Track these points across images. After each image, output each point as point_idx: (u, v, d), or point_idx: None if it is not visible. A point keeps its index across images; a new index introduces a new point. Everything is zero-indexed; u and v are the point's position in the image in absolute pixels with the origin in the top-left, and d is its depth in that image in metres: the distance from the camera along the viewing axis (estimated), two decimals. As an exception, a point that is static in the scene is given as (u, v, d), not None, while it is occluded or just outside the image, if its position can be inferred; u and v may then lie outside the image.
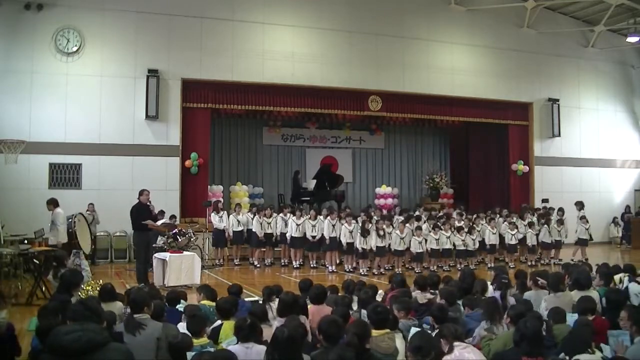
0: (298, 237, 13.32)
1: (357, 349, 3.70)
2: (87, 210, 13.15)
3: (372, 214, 14.60)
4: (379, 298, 6.49)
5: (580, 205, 15.58)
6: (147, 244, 10.46)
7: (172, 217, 13.36)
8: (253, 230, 13.59)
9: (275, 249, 14.07)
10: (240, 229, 13.67)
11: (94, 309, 3.75)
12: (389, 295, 6.45)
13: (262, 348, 4.05)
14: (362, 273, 12.44)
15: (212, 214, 13.82)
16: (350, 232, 12.69)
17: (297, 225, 13.26)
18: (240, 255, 14.03)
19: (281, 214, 13.81)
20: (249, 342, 4.10)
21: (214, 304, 5.75)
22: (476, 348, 4.27)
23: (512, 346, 4.33)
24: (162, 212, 12.95)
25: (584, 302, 5.26)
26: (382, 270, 12.77)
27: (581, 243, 14.73)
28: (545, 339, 4.38)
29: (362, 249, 12.47)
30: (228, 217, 13.81)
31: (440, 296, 6.04)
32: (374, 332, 4.24)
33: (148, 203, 10.46)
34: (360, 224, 12.87)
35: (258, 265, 13.60)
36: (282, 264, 13.80)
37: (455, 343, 3.97)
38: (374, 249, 12.64)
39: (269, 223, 13.59)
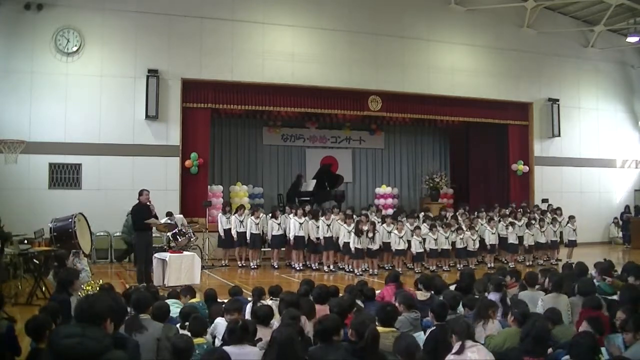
0: (300, 238, 13.19)
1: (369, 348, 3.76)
2: None
3: (369, 213, 14.53)
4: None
5: (560, 211, 15.55)
6: (147, 245, 10.47)
7: (169, 213, 13.19)
8: (255, 232, 13.47)
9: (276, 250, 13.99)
10: (242, 230, 13.46)
11: None
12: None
13: (254, 350, 4.07)
14: (357, 273, 12.41)
15: (219, 214, 13.80)
16: (350, 232, 12.67)
17: (300, 224, 13.14)
18: (245, 257, 13.83)
19: (290, 214, 13.67)
20: (243, 344, 4.12)
21: (198, 299, 6.70)
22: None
23: (511, 344, 4.36)
24: (170, 214, 12.92)
25: (590, 302, 5.27)
26: (376, 270, 12.70)
27: (570, 244, 14.72)
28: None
29: (356, 248, 12.41)
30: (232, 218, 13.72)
31: (443, 299, 6.04)
32: (379, 329, 4.27)
33: (148, 203, 10.44)
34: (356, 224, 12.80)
35: (255, 266, 13.50)
36: (289, 265, 13.70)
37: (468, 343, 3.94)
38: (365, 249, 12.59)
39: (279, 224, 13.43)
